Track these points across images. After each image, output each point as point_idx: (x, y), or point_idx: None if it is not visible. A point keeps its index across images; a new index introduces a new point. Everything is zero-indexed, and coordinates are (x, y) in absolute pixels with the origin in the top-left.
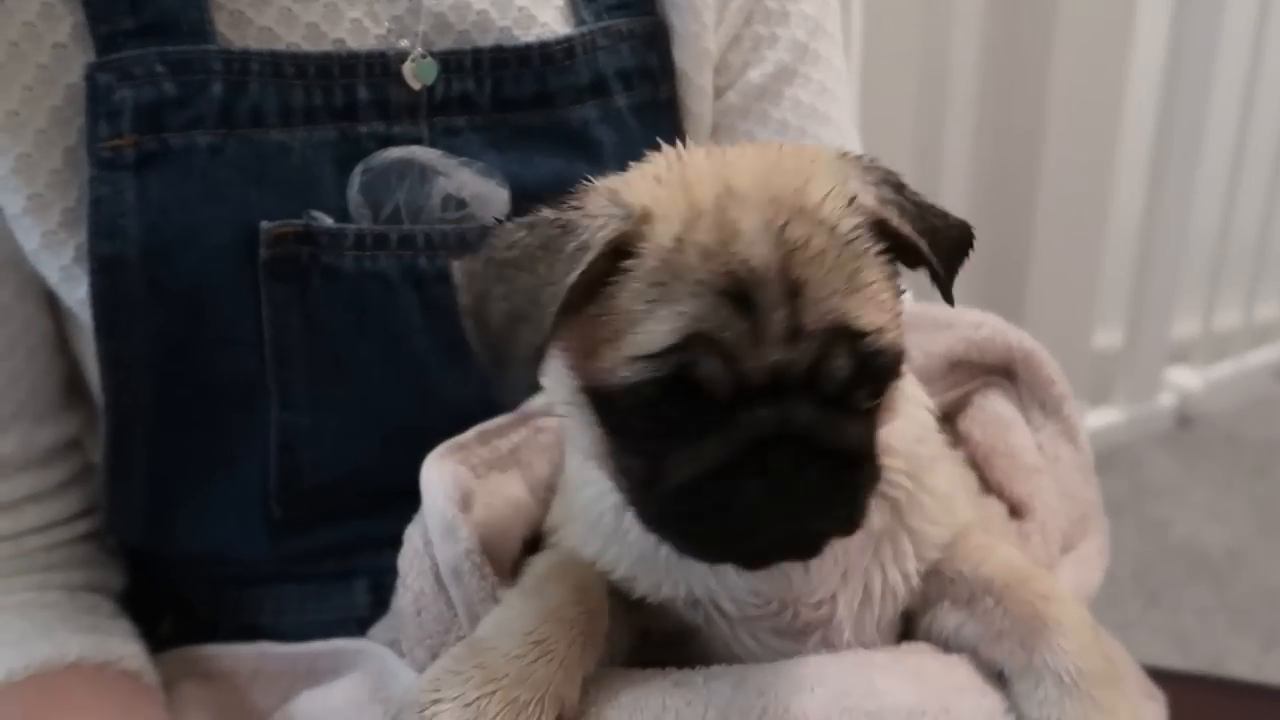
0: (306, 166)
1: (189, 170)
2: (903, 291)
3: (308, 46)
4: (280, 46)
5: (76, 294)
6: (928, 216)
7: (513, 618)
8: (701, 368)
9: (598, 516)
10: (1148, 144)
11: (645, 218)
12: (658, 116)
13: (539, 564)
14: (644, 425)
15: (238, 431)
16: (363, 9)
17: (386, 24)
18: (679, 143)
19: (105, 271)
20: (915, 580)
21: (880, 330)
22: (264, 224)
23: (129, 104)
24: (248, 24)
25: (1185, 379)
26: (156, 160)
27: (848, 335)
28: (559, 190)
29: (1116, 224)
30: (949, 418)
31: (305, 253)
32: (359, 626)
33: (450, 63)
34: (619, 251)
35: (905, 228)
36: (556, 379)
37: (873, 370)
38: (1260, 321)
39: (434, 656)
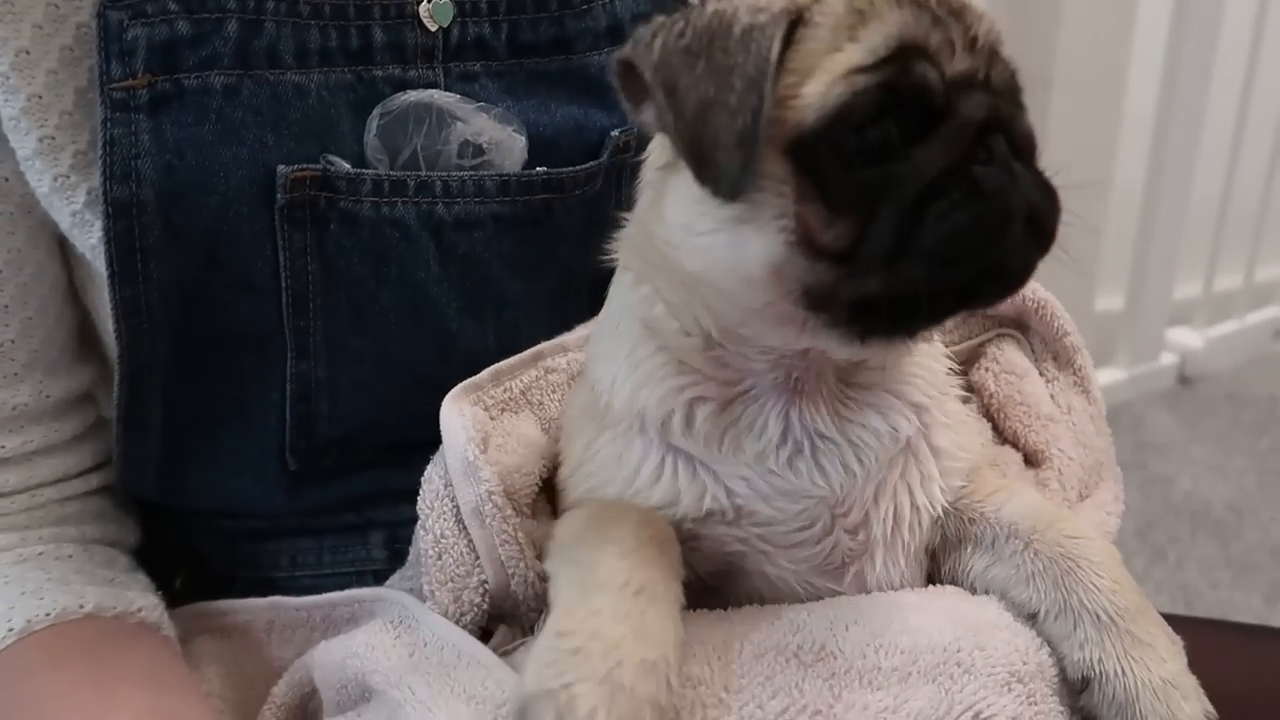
0: (323, 109)
1: (204, 111)
2: None
3: None
4: None
5: (89, 239)
6: None
7: (595, 576)
8: (917, 70)
9: (663, 416)
10: (1151, 109)
11: None
12: None
13: (574, 523)
14: (858, 155)
15: (253, 381)
16: None
17: None
18: None
19: (121, 215)
20: (941, 503)
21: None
22: (281, 167)
23: (142, 43)
24: None
25: (1186, 339)
26: (171, 101)
27: (1002, 57)
28: (576, 137)
29: (1120, 188)
30: (962, 368)
31: (323, 198)
32: (374, 579)
33: (466, 6)
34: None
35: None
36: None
37: (1019, 96)
38: (1260, 282)
39: (457, 599)
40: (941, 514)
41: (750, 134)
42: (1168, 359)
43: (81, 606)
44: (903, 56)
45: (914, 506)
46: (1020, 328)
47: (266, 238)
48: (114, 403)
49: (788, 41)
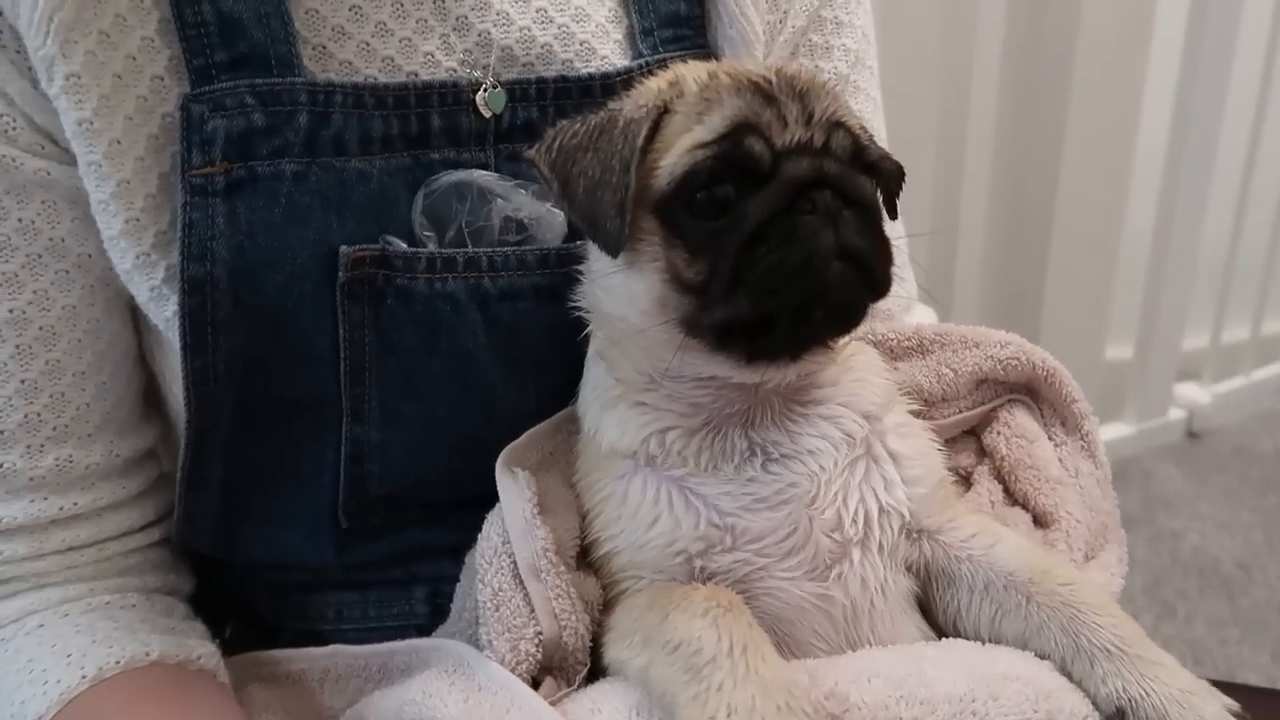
0: (383, 192)
1: (275, 196)
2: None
3: (384, 79)
4: (360, 79)
5: (164, 313)
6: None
7: (701, 652)
8: (748, 144)
9: (638, 444)
10: (1160, 165)
11: (675, 84)
12: None
13: (636, 610)
14: (705, 211)
15: (309, 444)
16: (436, 42)
17: (459, 56)
18: None
19: (195, 292)
20: (906, 505)
21: (869, 135)
22: (343, 248)
23: (220, 133)
24: (329, 57)
25: (1194, 394)
26: (245, 186)
27: (845, 128)
28: None
29: (1129, 242)
30: (974, 433)
31: (380, 275)
32: (417, 633)
33: (517, 92)
34: (656, 122)
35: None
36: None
37: (866, 161)
38: (1267, 335)
39: (514, 648)
40: (911, 518)
41: (625, 203)
42: (1176, 414)
43: (148, 654)
44: (737, 133)
45: (881, 509)
46: (1031, 394)
47: (327, 312)
48: (179, 463)
49: (657, 127)
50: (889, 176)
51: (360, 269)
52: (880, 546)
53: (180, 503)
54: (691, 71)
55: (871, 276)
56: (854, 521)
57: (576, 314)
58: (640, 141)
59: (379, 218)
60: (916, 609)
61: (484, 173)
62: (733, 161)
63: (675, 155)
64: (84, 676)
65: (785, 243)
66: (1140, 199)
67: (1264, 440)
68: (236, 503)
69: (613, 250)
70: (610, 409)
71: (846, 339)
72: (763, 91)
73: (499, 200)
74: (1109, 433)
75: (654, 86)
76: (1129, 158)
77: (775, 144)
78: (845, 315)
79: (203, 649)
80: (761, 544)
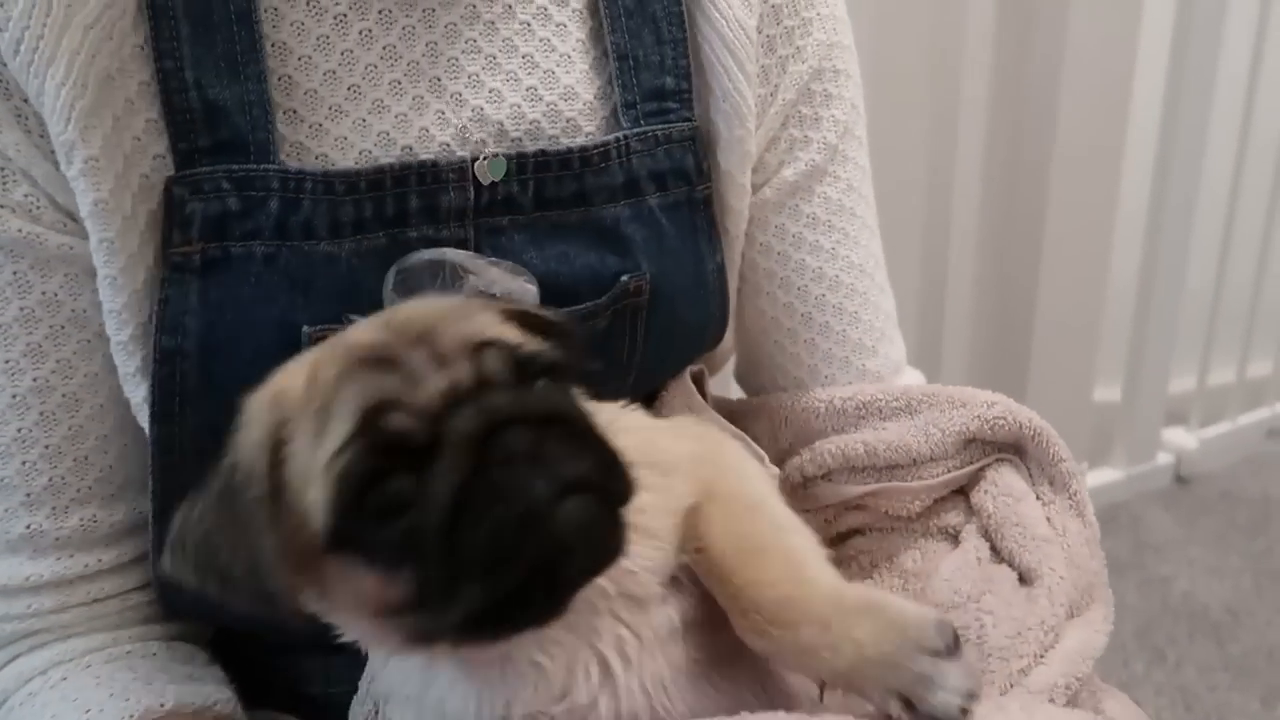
0: (351, 273)
1: (245, 275)
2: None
3: (378, 153)
4: (351, 157)
5: (136, 396)
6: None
7: None
8: (386, 425)
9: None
10: (1143, 213)
11: (277, 401)
12: (691, 213)
13: None
14: (382, 521)
15: None
16: (431, 118)
17: (452, 131)
18: (714, 236)
19: (166, 363)
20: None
21: (517, 341)
22: (307, 328)
23: (198, 215)
24: (325, 134)
25: (1181, 439)
26: (218, 265)
27: (490, 345)
28: (593, 283)
29: (1115, 288)
30: (963, 491)
31: None
32: None
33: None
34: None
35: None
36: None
37: (538, 366)
38: (1252, 379)
39: None
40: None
41: (270, 577)
42: (1164, 459)
43: (162, 705)
44: (368, 419)
45: (638, 637)
46: (1018, 453)
47: None
48: (148, 537)
49: (279, 466)
50: (569, 342)
51: None
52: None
53: (153, 573)
54: (289, 380)
55: (611, 493)
56: (615, 666)
57: None
58: (263, 495)
59: (347, 296)
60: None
61: (456, 250)
62: (380, 449)
63: (317, 484)
64: None
65: (488, 509)
66: (1124, 246)
67: (1251, 485)
68: None
69: (287, 623)
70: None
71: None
72: (378, 359)
73: (471, 277)
74: (1099, 478)
75: (257, 419)
76: (1112, 205)
77: (419, 406)
78: (601, 549)
79: (219, 695)
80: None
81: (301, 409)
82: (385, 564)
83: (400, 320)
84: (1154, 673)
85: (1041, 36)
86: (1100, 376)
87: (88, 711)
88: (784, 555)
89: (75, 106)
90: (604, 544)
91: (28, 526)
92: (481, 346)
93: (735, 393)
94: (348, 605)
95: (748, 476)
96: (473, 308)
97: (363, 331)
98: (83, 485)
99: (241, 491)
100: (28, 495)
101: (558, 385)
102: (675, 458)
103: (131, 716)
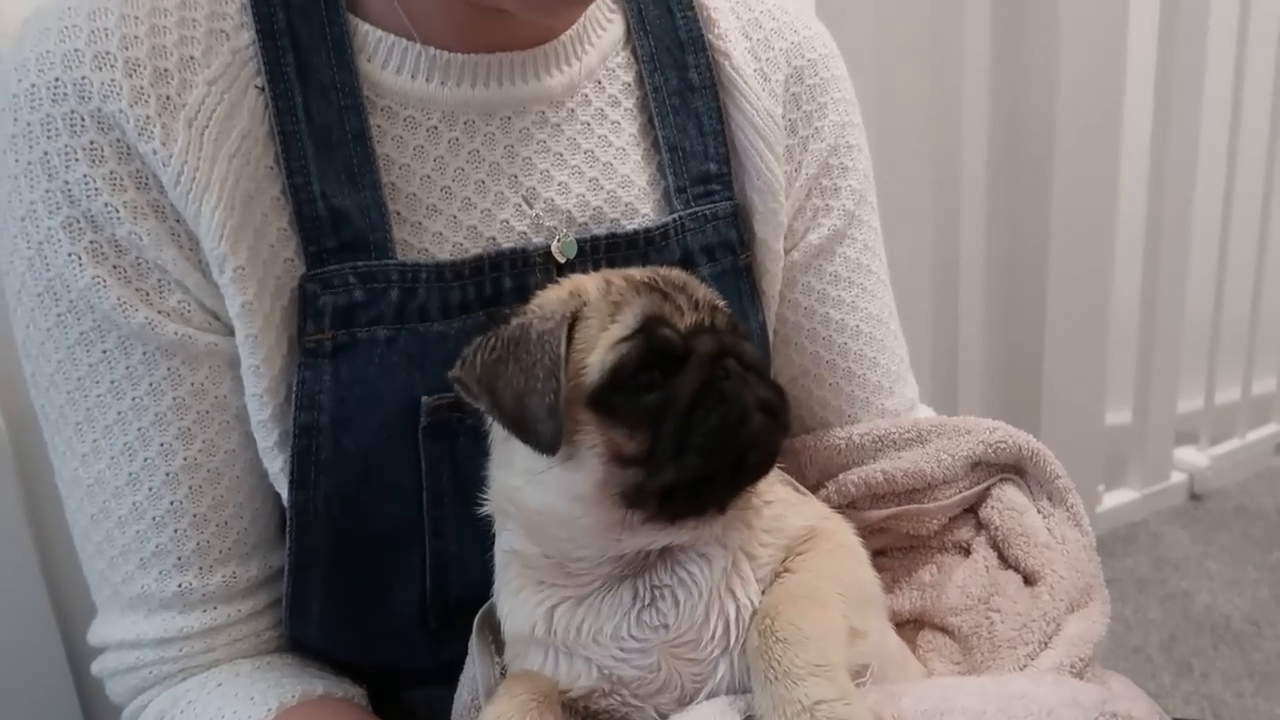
0: (458, 348)
1: (370, 356)
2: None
3: (468, 244)
4: (446, 250)
5: (274, 467)
6: None
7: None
8: (660, 333)
9: (529, 628)
10: (1140, 238)
11: (576, 294)
12: (737, 279)
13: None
14: (637, 391)
15: (397, 563)
16: (510, 210)
17: (529, 220)
18: (755, 297)
19: (303, 435)
20: (758, 598)
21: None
22: (425, 398)
23: (329, 307)
24: (424, 231)
25: (1193, 458)
26: (346, 349)
27: (719, 309)
28: None
29: (1118, 314)
30: (973, 509)
31: (455, 417)
32: None
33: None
34: (570, 328)
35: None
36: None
37: (741, 331)
38: (1257, 396)
39: None
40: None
41: (555, 406)
42: (1177, 477)
43: (316, 691)
44: (649, 325)
45: (738, 610)
46: (1019, 473)
47: (411, 450)
48: (279, 587)
49: (571, 334)
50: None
51: (439, 414)
52: (733, 648)
53: (287, 630)
54: (589, 282)
55: (782, 420)
56: (713, 636)
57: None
58: (561, 348)
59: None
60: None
61: None
62: (653, 348)
63: (600, 352)
64: (269, 710)
65: (718, 406)
66: (1125, 277)
67: (1264, 499)
68: (335, 627)
69: (550, 449)
70: (513, 594)
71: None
72: (657, 289)
73: None
74: (1116, 499)
75: (555, 297)
76: (1111, 233)
77: (680, 328)
78: (769, 460)
79: (355, 691)
80: (633, 687)
81: (597, 301)
82: (629, 425)
83: (664, 274)
84: (1182, 683)
85: (1032, 87)
86: (1110, 401)
87: (252, 698)
88: (825, 617)
89: (226, 225)
90: (773, 455)
91: (179, 585)
92: (715, 307)
93: None
94: (589, 448)
95: (844, 555)
96: (707, 283)
97: (636, 272)
98: (224, 547)
99: (534, 340)
100: (179, 559)
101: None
102: (804, 516)
103: (293, 697)
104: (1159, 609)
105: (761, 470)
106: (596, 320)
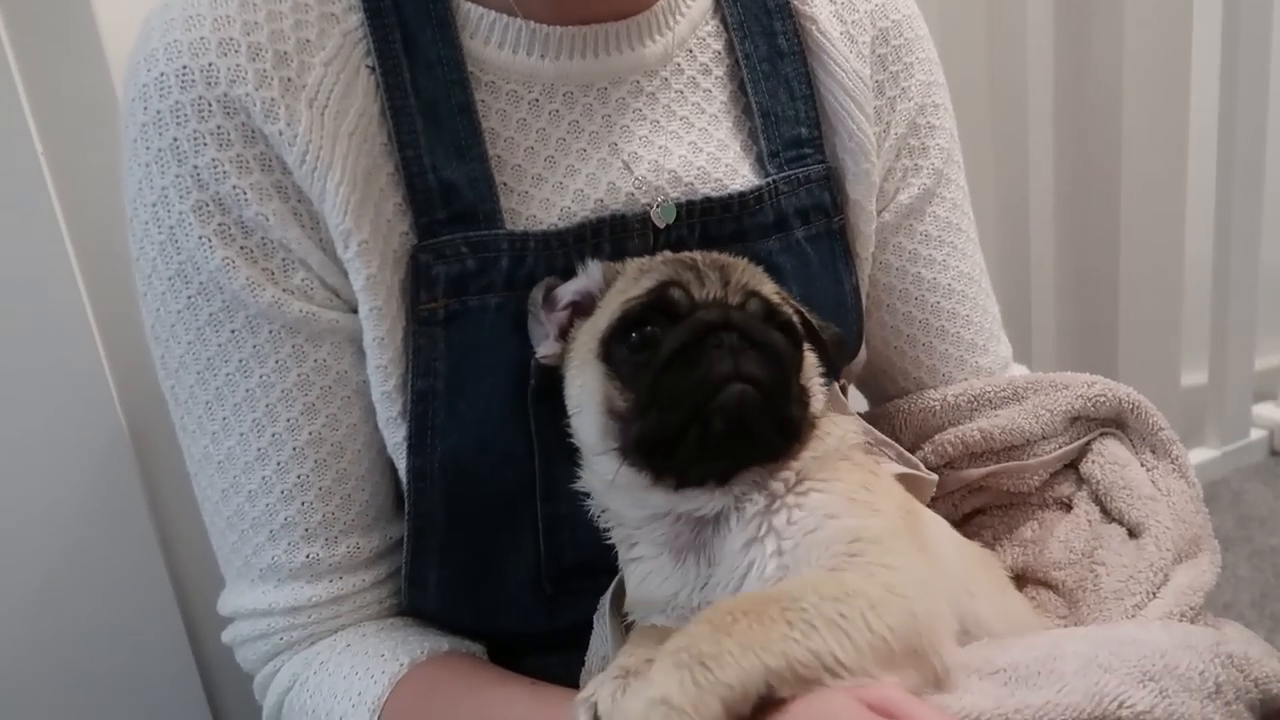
0: None
1: (481, 323)
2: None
3: (575, 207)
4: (554, 214)
5: (396, 436)
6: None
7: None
8: (670, 293)
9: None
10: (1211, 195)
11: (620, 265)
12: (830, 242)
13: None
14: (636, 347)
15: (513, 527)
16: (615, 173)
17: (634, 181)
18: (849, 260)
19: (419, 401)
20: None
21: (781, 302)
22: (534, 360)
23: (442, 276)
24: (531, 198)
25: (1273, 414)
26: (458, 317)
27: (759, 296)
28: None
29: (1191, 273)
30: (1073, 465)
31: (560, 377)
32: None
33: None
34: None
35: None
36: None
37: (780, 321)
38: None
39: None
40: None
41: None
42: (1257, 434)
43: (443, 648)
44: (663, 287)
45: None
46: (1120, 426)
47: (521, 413)
48: (399, 557)
49: (605, 290)
50: (825, 343)
51: (546, 375)
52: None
53: (406, 598)
54: (636, 258)
55: (775, 408)
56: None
57: None
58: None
59: None
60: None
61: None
62: (658, 307)
63: (612, 306)
64: (401, 665)
65: (691, 366)
66: (1197, 234)
67: None
68: (453, 595)
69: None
70: (626, 567)
71: (788, 463)
72: (688, 262)
73: None
74: (1194, 457)
75: (594, 266)
76: (1182, 193)
77: (694, 296)
78: (748, 434)
79: (476, 648)
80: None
81: (634, 267)
82: (623, 378)
83: (714, 257)
84: (1276, 639)
85: (1098, 45)
86: (1187, 363)
87: (383, 655)
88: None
89: (350, 201)
90: (752, 431)
91: (307, 556)
92: (753, 293)
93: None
94: (595, 400)
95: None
96: (766, 278)
97: (699, 254)
98: (347, 519)
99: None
100: (306, 530)
101: (786, 338)
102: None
103: (422, 652)
104: (1247, 566)
105: (745, 448)
106: (625, 282)
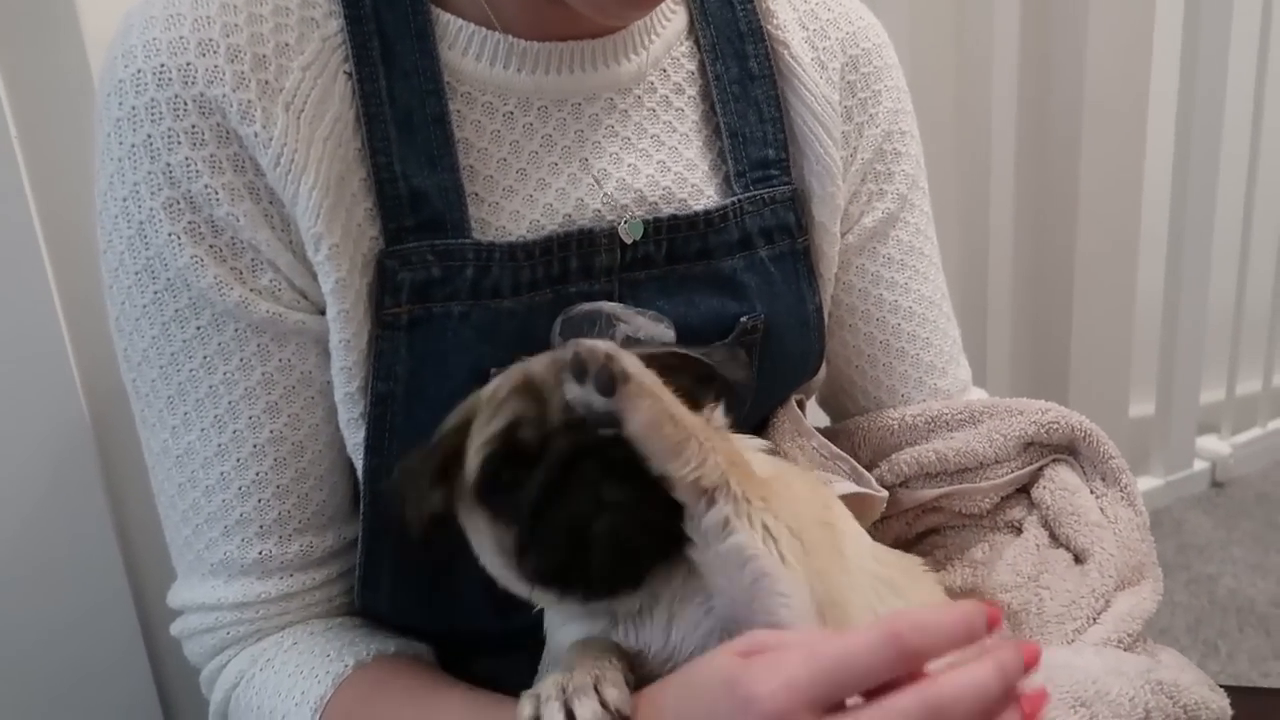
0: (525, 324)
1: (444, 330)
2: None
3: (544, 220)
4: (524, 226)
5: (356, 437)
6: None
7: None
8: (519, 435)
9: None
10: (1164, 234)
11: (477, 402)
12: (794, 262)
13: None
14: (505, 488)
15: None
16: (584, 189)
17: (601, 198)
18: (813, 280)
19: (379, 403)
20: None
21: (639, 374)
22: (493, 370)
23: (406, 283)
24: (500, 209)
25: (1215, 446)
26: (422, 323)
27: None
28: (715, 324)
29: (1142, 309)
30: (1025, 489)
31: None
32: None
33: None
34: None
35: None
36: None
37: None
38: (1278, 387)
39: None
40: None
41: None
42: (1200, 465)
43: (388, 649)
44: (511, 431)
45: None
46: (1072, 453)
47: None
48: (352, 557)
49: (465, 434)
50: (719, 376)
51: None
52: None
53: (358, 600)
54: (489, 389)
55: (650, 522)
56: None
57: None
58: (440, 451)
59: (522, 342)
60: None
61: (610, 303)
62: (511, 455)
63: (471, 452)
64: (346, 665)
65: (557, 506)
66: (1149, 271)
67: None
68: (406, 596)
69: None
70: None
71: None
72: (534, 390)
73: (621, 324)
74: (1140, 485)
75: (463, 407)
76: (1135, 229)
77: (546, 427)
78: (632, 556)
79: (423, 648)
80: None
81: (486, 407)
82: (506, 520)
83: (576, 356)
84: (1209, 664)
85: (1059, 86)
86: (1135, 394)
87: (328, 655)
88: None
89: (322, 205)
90: (622, 549)
91: (259, 553)
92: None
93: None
94: (485, 545)
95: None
96: (628, 356)
97: (536, 363)
98: (303, 518)
99: (433, 449)
100: (260, 527)
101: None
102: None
103: (367, 654)
104: (1184, 592)
105: (624, 563)
106: (480, 423)
